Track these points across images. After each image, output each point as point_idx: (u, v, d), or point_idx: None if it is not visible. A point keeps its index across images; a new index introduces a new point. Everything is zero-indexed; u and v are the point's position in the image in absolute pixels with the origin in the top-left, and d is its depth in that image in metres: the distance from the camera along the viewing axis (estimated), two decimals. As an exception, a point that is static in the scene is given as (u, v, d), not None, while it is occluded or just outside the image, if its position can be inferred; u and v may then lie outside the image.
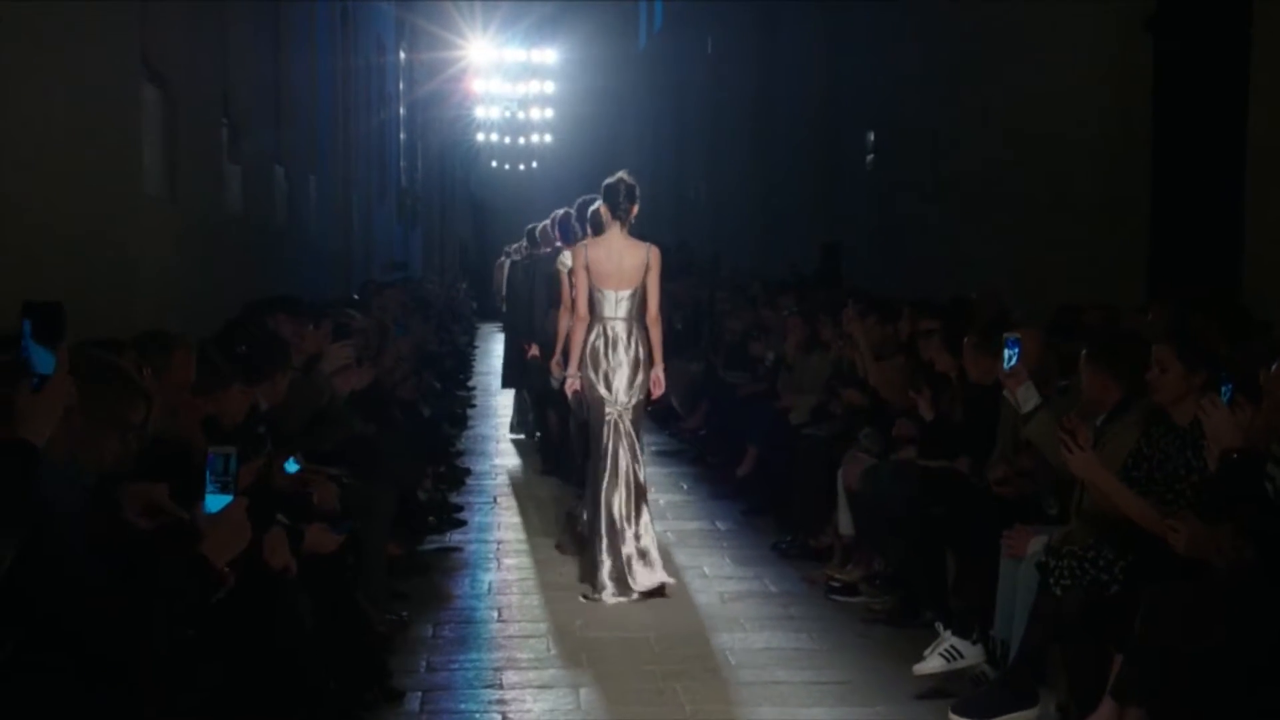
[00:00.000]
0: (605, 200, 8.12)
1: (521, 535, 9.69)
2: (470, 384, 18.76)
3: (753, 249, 21.59)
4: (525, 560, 8.93)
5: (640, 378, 8.03)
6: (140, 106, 8.84)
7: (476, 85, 31.48)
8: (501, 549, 9.27)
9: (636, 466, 7.98)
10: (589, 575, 8.01)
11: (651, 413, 14.93)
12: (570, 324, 8.39)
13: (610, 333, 7.98)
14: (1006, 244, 11.47)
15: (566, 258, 9.36)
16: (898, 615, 7.36)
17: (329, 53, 18.38)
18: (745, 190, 22.48)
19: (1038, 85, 11.01)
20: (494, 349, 25.24)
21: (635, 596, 7.78)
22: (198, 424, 5.45)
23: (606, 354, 7.99)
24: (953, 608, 6.63)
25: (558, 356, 9.03)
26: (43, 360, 3.58)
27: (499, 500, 11.00)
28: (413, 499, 9.19)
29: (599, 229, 8.49)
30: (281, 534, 5.04)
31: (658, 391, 8.27)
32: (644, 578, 7.83)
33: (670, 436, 14.03)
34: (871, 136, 15.72)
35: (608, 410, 7.98)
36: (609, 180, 8.14)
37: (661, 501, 10.74)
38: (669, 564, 8.35)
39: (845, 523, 8.24)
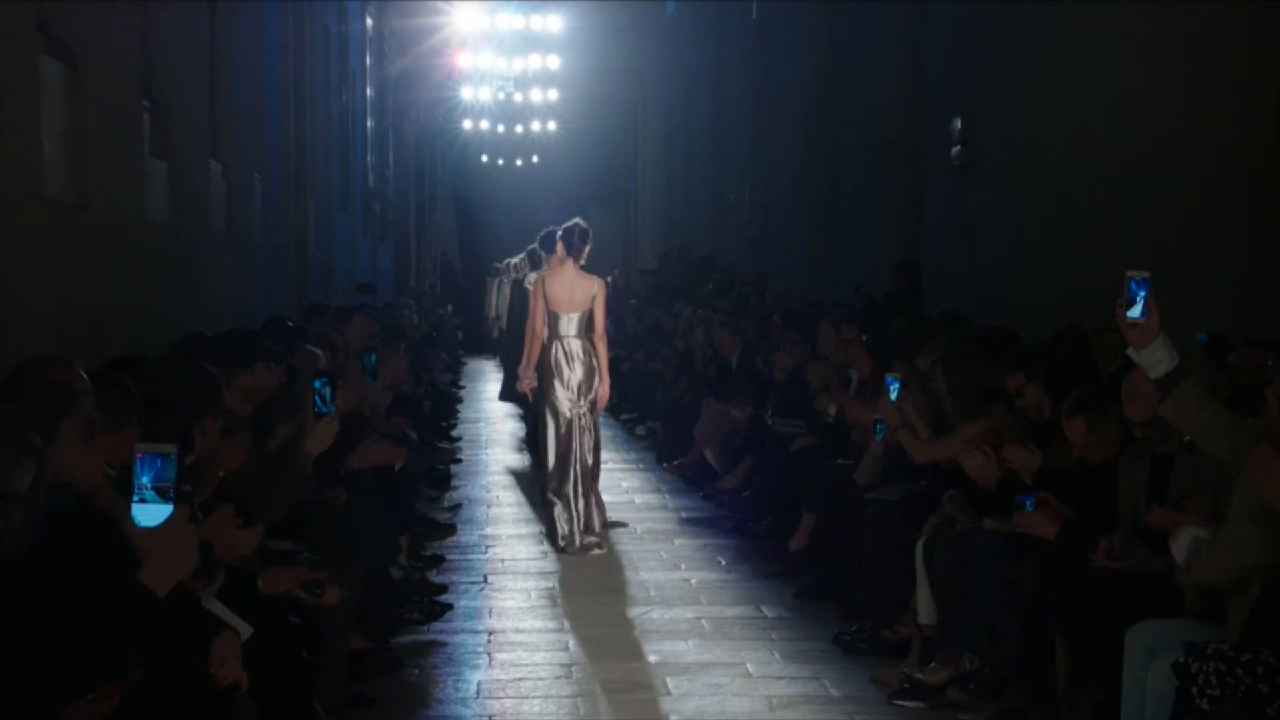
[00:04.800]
0: (562, 240, 12.39)
1: (519, 623, 9.68)
2: (455, 434, 18.70)
3: (809, 267, 21.54)
4: (523, 655, 8.91)
5: (594, 384, 12.10)
6: (37, 86, 8.84)
7: (463, 60, 31.50)
8: (494, 641, 9.25)
9: (588, 453, 12.08)
10: (552, 534, 12.08)
11: (682, 468, 15.02)
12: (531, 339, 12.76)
13: (568, 349, 12.07)
14: (1129, 262, 11.32)
15: (528, 280, 13.91)
16: (995, 728, 7.28)
17: (277, 21, 18.46)
18: (800, 193, 22.45)
19: (1165, 62, 10.96)
20: (484, 389, 25.27)
21: (578, 548, 11.78)
22: (100, 474, 5.25)
23: (569, 365, 12.03)
24: (1065, 718, 6.56)
25: (524, 363, 12.79)
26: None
27: (490, 580, 10.97)
28: (383, 579, 9.15)
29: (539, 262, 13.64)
30: (233, 638, 4.98)
31: (602, 404, 12.35)
32: (584, 539, 11.85)
33: (704, 499, 14.00)
34: (958, 123, 15.68)
35: (568, 410, 12.01)
36: (566, 224, 12.39)
37: (694, 581, 10.73)
38: (703, 656, 8.63)
39: (926, 609, 8.20)
